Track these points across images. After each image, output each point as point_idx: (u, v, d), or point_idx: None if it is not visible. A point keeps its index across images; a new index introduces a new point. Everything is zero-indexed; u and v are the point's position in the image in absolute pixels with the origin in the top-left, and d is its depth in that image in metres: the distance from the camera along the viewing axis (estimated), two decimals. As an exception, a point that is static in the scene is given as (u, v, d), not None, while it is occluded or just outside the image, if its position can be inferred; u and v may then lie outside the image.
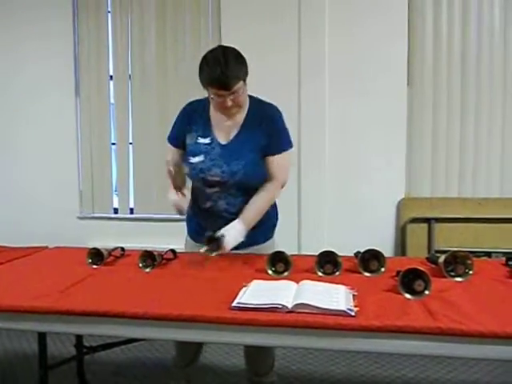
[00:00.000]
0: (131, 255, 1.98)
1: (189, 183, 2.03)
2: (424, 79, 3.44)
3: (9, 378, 2.64)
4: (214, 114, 1.90)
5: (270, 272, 1.68)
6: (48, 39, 3.90)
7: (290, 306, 1.30)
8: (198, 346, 2.08)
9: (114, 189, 4.02)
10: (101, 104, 3.91)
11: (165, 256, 1.89)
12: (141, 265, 1.80)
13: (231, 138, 1.90)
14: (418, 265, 1.48)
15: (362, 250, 1.72)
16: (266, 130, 1.88)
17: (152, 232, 3.77)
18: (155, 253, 1.82)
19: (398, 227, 3.51)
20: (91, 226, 3.94)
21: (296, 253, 2.44)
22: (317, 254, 1.70)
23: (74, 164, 3.97)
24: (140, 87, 3.83)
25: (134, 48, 3.82)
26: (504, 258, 1.81)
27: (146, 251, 1.83)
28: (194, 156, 1.90)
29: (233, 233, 1.78)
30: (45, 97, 3.94)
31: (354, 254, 1.81)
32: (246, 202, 1.88)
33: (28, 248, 2.22)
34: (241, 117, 1.89)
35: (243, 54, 1.80)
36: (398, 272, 1.47)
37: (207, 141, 1.89)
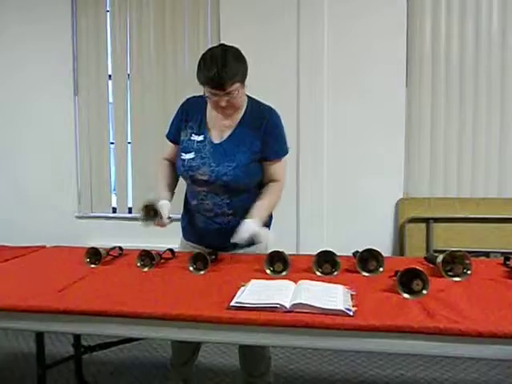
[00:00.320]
0: (129, 255, 1.98)
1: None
2: (422, 80, 3.44)
3: (7, 378, 2.63)
4: (210, 111, 1.89)
5: (268, 271, 1.68)
6: (47, 38, 3.89)
7: (288, 305, 1.30)
8: (195, 346, 2.08)
9: (112, 188, 4.02)
10: (99, 103, 3.91)
11: (163, 255, 1.89)
12: (139, 264, 1.80)
13: (224, 137, 1.89)
14: (416, 264, 1.48)
15: (360, 250, 1.72)
16: (265, 134, 1.86)
17: (150, 231, 3.74)
18: (153, 252, 1.82)
19: (396, 227, 3.52)
20: (89, 225, 3.94)
21: (294, 252, 2.45)
22: (315, 253, 1.70)
23: (72, 163, 3.97)
24: (139, 86, 3.83)
25: (133, 47, 3.81)
26: (502, 258, 1.81)
27: (144, 251, 1.83)
28: (186, 153, 1.90)
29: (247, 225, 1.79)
30: (43, 96, 3.94)
31: (353, 253, 1.81)
32: (231, 203, 1.89)
33: (26, 247, 2.21)
34: (237, 117, 1.88)
35: (242, 52, 1.80)
36: (396, 272, 1.47)
37: (200, 138, 1.89)
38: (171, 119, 2.01)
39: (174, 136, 1.99)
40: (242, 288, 1.46)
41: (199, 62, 1.76)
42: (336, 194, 3.52)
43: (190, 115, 1.93)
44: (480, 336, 1.16)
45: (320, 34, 3.46)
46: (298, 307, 1.29)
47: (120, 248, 2.05)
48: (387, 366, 2.71)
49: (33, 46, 3.93)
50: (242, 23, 3.54)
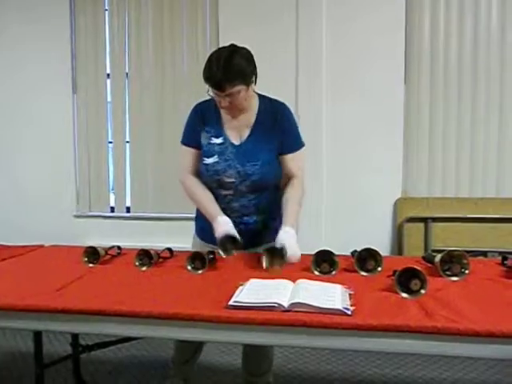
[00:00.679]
0: (127, 254, 1.98)
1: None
2: (421, 78, 3.45)
3: (5, 377, 2.63)
4: (223, 113, 1.88)
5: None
6: (45, 37, 3.89)
7: (286, 304, 1.30)
8: (197, 344, 2.08)
9: (110, 187, 4.02)
10: (98, 102, 3.91)
11: (161, 255, 1.89)
12: (137, 263, 1.79)
13: (244, 138, 1.88)
14: (414, 264, 1.49)
15: (358, 249, 1.72)
16: (281, 129, 1.88)
17: (148, 231, 3.76)
18: (152, 251, 1.82)
19: (394, 226, 3.52)
20: (88, 224, 3.93)
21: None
22: (313, 253, 1.71)
23: (70, 162, 3.97)
24: (137, 85, 3.82)
25: (131, 46, 3.81)
26: (500, 258, 1.82)
27: (143, 250, 1.82)
28: (208, 157, 1.87)
29: (289, 240, 1.73)
30: (42, 95, 3.93)
31: (351, 253, 1.81)
32: (258, 203, 1.88)
33: (24, 246, 2.21)
34: (251, 117, 1.88)
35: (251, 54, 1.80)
36: (395, 271, 1.47)
37: (220, 141, 1.87)
38: (184, 126, 1.95)
39: (193, 140, 1.92)
40: (240, 287, 1.46)
41: (206, 60, 1.76)
42: (334, 193, 3.52)
43: (205, 118, 1.90)
44: (478, 335, 1.16)
45: (319, 32, 3.46)
46: (296, 306, 1.29)
47: (118, 247, 2.05)
48: (385, 366, 2.71)
49: (31, 46, 3.92)
50: (240, 23, 3.53)
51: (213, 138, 1.88)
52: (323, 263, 1.68)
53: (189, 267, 1.72)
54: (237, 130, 1.89)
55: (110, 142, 3.95)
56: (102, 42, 3.86)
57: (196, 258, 1.73)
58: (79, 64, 3.90)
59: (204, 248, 1.94)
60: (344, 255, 1.79)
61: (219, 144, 1.87)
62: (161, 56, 3.75)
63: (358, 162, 3.52)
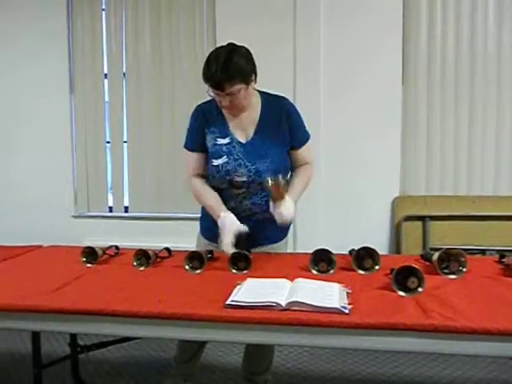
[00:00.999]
0: (125, 254, 1.98)
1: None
2: (418, 78, 3.45)
3: (3, 378, 2.63)
4: (226, 112, 1.88)
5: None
6: (42, 37, 3.87)
7: (283, 303, 1.30)
8: (200, 343, 2.08)
9: (108, 187, 4.01)
10: (95, 102, 3.89)
11: (159, 255, 1.89)
12: (135, 263, 1.80)
13: (250, 136, 1.88)
14: (411, 262, 1.49)
15: (356, 248, 1.73)
16: (288, 125, 1.89)
17: (146, 230, 3.76)
18: (149, 251, 1.82)
19: (392, 225, 3.52)
20: (86, 224, 3.93)
21: (291, 251, 2.45)
22: (311, 251, 1.71)
23: (68, 162, 3.96)
24: (135, 85, 3.81)
25: (129, 46, 3.80)
26: (497, 256, 1.82)
27: (141, 250, 1.82)
28: (216, 158, 1.86)
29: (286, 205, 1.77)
30: (39, 95, 3.92)
31: (349, 251, 1.82)
32: (268, 200, 1.87)
33: (22, 247, 2.21)
34: (255, 114, 1.88)
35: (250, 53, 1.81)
36: (392, 269, 1.47)
37: (227, 140, 1.87)
38: (186, 129, 1.95)
39: (196, 143, 1.92)
40: (238, 286, 1.46)
41: (205, 60, 1.76)
42: (332, 192, 3.52)
43: (209, 119, 1.90)
44: (475, 333, 1.17)
45: (316, 33, 3.45)
46: (293, 305, 1.29)
47: (116, 247, 2.05)
48: (384, 364, 2.71)
49: (28, 45, 3.90)
50: (238, 23, 3.52)
51: (219, 139, 1.87)
52: (321, 262, 1.68)
53: (187, 267, 1.72)
54: (242, 129, 1.89)
55: (108, 142, 3.94)
56: (99, 41, 3.85)
57: (194, 258, 1.74)
58: (76, 64, 3.89)
59: (210, 248, 1.93)
60: (342, 254, 1.80)
61: (226, 144, 1.86)
62: (158, 55, 3.74)
63: (356, 160, 3.52)
